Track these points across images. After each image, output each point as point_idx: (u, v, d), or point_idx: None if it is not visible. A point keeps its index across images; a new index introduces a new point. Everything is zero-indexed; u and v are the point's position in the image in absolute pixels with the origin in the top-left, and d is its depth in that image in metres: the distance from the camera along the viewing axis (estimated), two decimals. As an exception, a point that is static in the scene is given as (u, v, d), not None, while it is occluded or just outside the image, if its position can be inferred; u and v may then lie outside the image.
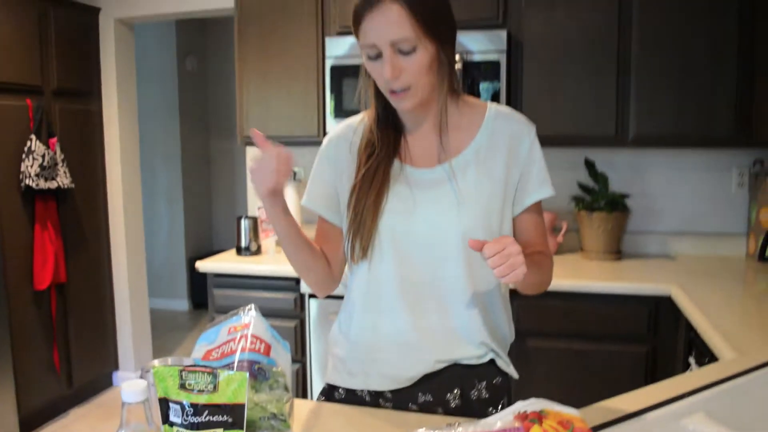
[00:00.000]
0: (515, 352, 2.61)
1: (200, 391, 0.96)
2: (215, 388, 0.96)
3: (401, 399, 1.34)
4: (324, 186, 1.38)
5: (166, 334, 5.10)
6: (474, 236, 1.23)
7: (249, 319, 1.25)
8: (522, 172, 1.31)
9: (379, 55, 1.18)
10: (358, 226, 1.29)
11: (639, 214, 3.13)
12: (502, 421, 0.95)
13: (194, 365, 1.11)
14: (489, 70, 2.74)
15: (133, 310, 3.97)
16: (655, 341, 2.51)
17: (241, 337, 1.22)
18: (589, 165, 3.00)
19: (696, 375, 1.44)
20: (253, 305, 1.30)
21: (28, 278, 3.30)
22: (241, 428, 0.97)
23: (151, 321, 4.24)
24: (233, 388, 0.96)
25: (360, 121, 1.37)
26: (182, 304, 5.79)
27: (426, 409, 1.33)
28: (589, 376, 2.53)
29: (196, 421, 0.96)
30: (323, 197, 1.38)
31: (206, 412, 0.96)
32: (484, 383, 1.34)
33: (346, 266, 1.40)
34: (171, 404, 0.97)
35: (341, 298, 1.47)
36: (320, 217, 1.40)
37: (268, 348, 1.22)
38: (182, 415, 0.96)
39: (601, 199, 2.93)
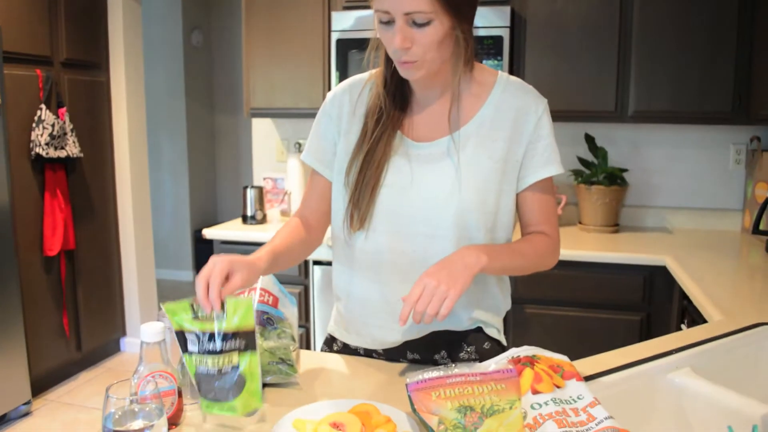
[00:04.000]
0: (512, 319, 2.71)
1: (211, 320, 1.03)
2: (224, 315, 1.03)
3: (392, 357, 1.39)
4: (323, 142, 1.37)
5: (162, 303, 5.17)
6: (469, 214, 1.24)
7: (258, 273, 1.32)
8: (527, 149, 1.27)
9: (390, 21, 1.13)
10: (358, 197, 1.28)
11: (637, 189, 3.19)
12: (496, 364, 1.02)
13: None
14: (492, 44, 2.78)
15: (140, 277, 4.05)
16: (650, 309, 2.59)
17: (250, 290, 1.29)
18: (589, 140, 3.05)
19: (684, 334, 1.50)
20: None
21: (38, 245, 3.37)
22: (254, 349, 1.04)
23: (157, 291, 4.31)
24: (240, 314, 1.03)
25: (367, 81, 1.34)
26: (187, 275, 5.87)
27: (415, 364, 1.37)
28: (584, 343, 2.60)
29: (211, 348, 1.02)
30: (322, 153, 1.37)
31: (220, 339, 1.02)
32: (473, 347, 1.36)
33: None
34: (187, 335, 1.04)
35: (322, 263, 1.48)
36: (314, 171, 1.39)
37: (276, 300, 1.29)
38: (198, 343, 1.03)
39: (600, 173, 2.98)
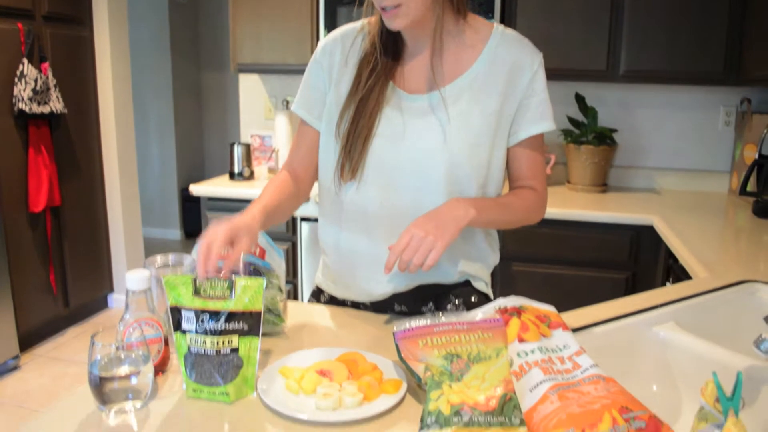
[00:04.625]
0: (500, 276, 2.72)
1: (216, 298, 0.97)
2: (232, 295, 0.97)
3: (379, 309, 1.39)
4: (314, 92, 1.34)
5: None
6: (460, 168, 1.24)
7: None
8: (520, 104, 1.26)
9: None
10: (350, 147, 1.26)
11: (626, 149, 3.19)
12: (483, 314, 1.02)
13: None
14: (483, 2, 2.74)
15: (126, 234, 4.03)
16: (635, 268, 2.61)
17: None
18: (579, 99, 3.03)
19: (669, 290, 1.52)
20: (249, 212, 1.35)
21: (24, 201, 3.34)
22: (257, 335, 0.99)
23: (144, 249, 4.30)
24: (250, 294, 0.97)
25: (360, 31, 1.31)
26: (175, 233, 5.86)
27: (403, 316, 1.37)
28: (570, 300, 2.60)
29: (210, 328, 0.96)
30: (312, 104, 1.35)
31: (222, 319, 0.96)
32: (461, 300, 1.36)
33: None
34: (183, 312, 0.97)
35: (309, 220, 1.47)
36: (303, 120, 1.37)
37: (263, 252, 1.28)
38: (196, 322, 0.97)
39: (589, 132, 2.97)
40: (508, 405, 0.82)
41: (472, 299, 1.37)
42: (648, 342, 1.32)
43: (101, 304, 4.08)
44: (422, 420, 0.83)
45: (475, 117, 1.23)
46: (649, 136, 3.18)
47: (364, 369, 1.02)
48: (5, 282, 3.14)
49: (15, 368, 3.29)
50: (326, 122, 1.32)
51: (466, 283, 1.37)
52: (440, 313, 1.00)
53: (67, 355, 3.47)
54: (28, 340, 3.49)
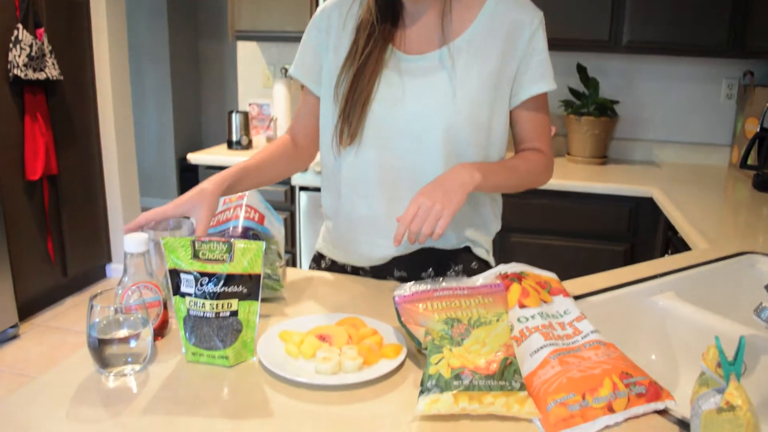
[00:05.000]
0: (498, 247, 2.72)
1: (215, 260, 0.95)
2: (231, 257, 0.95)
3: (379, 274, 1.39)
4: (312, 57, 1.34)
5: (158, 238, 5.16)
6: (459, 130, 1.22)
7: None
8: (520, 64, 1.24)
9: None
10: (348, 112, 1.26)
11: (627, 121, 3.17)
12: (484, 279, 1.01)
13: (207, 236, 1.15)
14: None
15: (124, 204, 4.01)
16: (634, 240, 2.61)
17: (236, 206, 1.27)
18: (581, 70, 3.00)
19: (669, 260, 1.51)
20: (248, 178, 1.33)
21: (20, 169, 3.31)
22: (256, 299, 0.98)
23: (142, 219, 4.28)
24: (249, 257, 0.96)
25: None
26: (173, 204, 5.83)
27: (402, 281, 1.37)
28: (569, 272, 2.60)
29: (210, 291, 0.95)
30: (310, 68, 1.34)
31: (221, 283, 0.95)
32: (461, 267, 1.36)
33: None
34: (182, 275, 0.96)
35: (308, 189, 1.47)
36: (304, 86, 1.37)
37: (261, 218, 1.27)
38: (195, 285, 0.95)
39: (590, 104, 2.95)
40: (508, 369, 0.82)
41: (473, 266, 1.37)
42: (647, 311, 1.32)
43: (99, 274, 4.08)
44: (422, 383, 0.83)
45: (475, 77, 1.22)
46: (650, 108, 3.15)
47: (364, 333, 1.02)
48: (3, 250, 3.13)
49: (14, 337, 3.29)
50: (325, 87, 1.31)
51: (467, 250, 1.37)
52: (441, 278, 1.00)
53: (66, 324, 3.48)
54: (27, 309, 3.49)
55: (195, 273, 0.95)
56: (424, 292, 0.96)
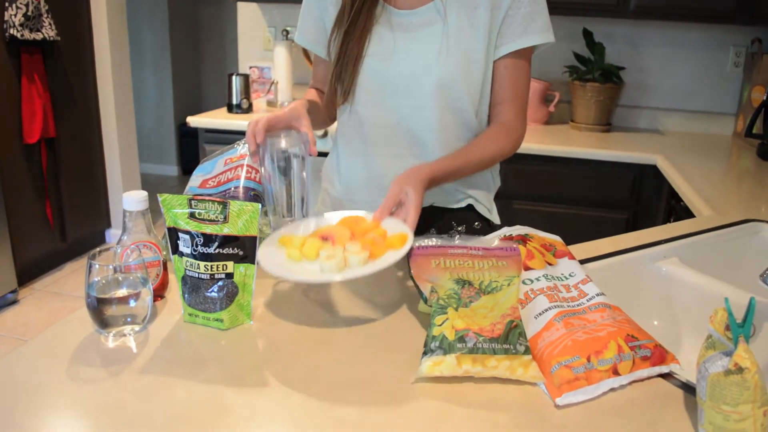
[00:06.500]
0: (500, 214, 2.69)
1: (210, 221, 0.93)
2: (225, 218, 0.92)
3: None
4: (313, 21, 1.33)
5: (155, 197, 5.14)
6: (452, 85, 1.21)
7: (245, 150, 1.27)
8: (505, 16, 1.20)
9: None
10: (340, 70, 1.26)
11: (632, 88, 3.12)
12: (499, 240, 1.00)
13: (202, 195, 1.13)
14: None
15: (123, 169, 3.98)
16: (637, 208, 2.59)
17: (237, 167, 1.25)
18: (587, 34, 2.95)
19: (672, 227, 1.50)
20: (248, 138, 1.31)
21: (17, 132, 3.28)
22: (252, 262, 0.95)
23: (142, 185, 4.26)
24: (245, 219, 0.93)
25: None
26: (172, 169, 5.81)
27: None
28: (571, 239, 2.59)
29: (205, 252, 0.92)
30: (313, 33, 1.34)
31: (216, 244, 0.92)
32: (464, 227, 1.36)
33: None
34: (180, 234, 0.94)
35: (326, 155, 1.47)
36: (312, 53, 1.37)
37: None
38: (191, 245, 0.93)
39: (595, 69, 2.90)
40: (513, 332, 0.81)
41: (475, 225, 1.37)
42: (650, 277, 1.31)
43: (99, 240, 4.07)
44: (426, 345, 0.82)
45: (465, 30, 1.20)
46: (655, 75, 3.11)
47: (367, 228, 0.99)
48: (1, 214, 3.11)
49: (14, 302, 3.29)
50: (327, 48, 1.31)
51: (469, 208, 1.37)
52: (456, 234, 0.98)
53: (65, 290, 3.48)
54: (27, 274, 3.48)
55: (191, 232, 0.93)
56: (437, 247, 0.95)
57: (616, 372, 0.80)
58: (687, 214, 1.91)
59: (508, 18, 1.21)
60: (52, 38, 3.28)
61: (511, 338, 0.81)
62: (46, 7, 3.26)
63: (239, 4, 3.40)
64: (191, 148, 5.62)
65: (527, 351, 0.81)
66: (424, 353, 0.82)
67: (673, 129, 3.13)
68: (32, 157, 3.40)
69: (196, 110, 5.84)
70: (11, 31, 3.07)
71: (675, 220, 2.15)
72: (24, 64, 3.23)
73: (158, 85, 5.60)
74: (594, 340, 0.81)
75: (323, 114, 1.36)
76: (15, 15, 3.07)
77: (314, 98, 1.35)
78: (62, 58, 3.53)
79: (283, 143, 1.10)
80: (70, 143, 3.66)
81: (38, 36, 3.20)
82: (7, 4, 3.07)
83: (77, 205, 3.78)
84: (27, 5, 3.11)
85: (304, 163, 1.13)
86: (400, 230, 0.98)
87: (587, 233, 2.59)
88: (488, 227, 1.39)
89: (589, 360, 0.79)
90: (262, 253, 0.96)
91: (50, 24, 3.28)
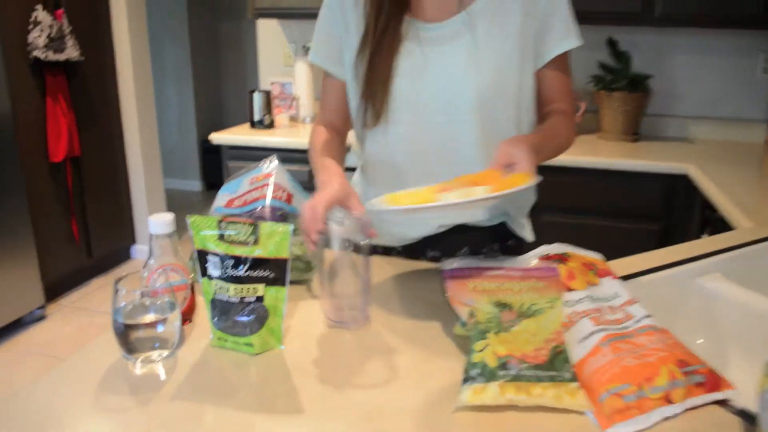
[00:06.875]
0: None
1: (240, 243, 0.90)
2: (256, 240, 0.90)
3: (411, 255, 1.34)
4: (329, 39, 1.28)
5: (180, 213, 5.12)
6: (488, 95, 1.18)
7: (271, 169, 1.25)
8: (542, 22, 1.19)
9: None
10: (370, 92, 1.21)
11: (659, 97, 3.06)
12: (537, 260, 0.96)
13: (231, 215, 1.10)
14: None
15: (147, 185, 4.00)
16: (669, 219, 2.53)
17: (263, 185, 1.23)
18: (612, 44, 2.90)
19: (712, 240, 1.45)
20: (275, 156, 1.29)
21: (43, 151, 3.30)
22: (284, 284, 0.92)
23: (166, 201, 4.27)
24: (276, 241, 0.90)
25: None
26: (195, 185, 5.83)
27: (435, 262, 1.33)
28: (602, 252, 2.56)
29: (235, 275, 0.90)
30: (330, 51, 1.29)
31: (246, 266, 0.90)
32: (498, 245, 1.31)
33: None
34: (209, 256, 0.92)
35: (353, 170, 1.43)
36: (326, 71, 1.32)
37: (290, 197, 1.22)
38: (221, 267, 0.91)
39: (622, 78, 2.85)
40: (558, 358, 0.77)
41: (509, 243, 1.33)
42: (692, 294, 1.25)
43: (124, 256, 4.08)
44: (466, 371, 0.78)
45: (498, 39, 1.17)
46: (683, 83, 3.05)
47: (484, 176, 0.94)
48: (28, 232, 3.13)
49: (41, 318, 3.31)
50: (348, 67, 1.26)
51: (502, 225, 1.33)
52: (492, 254, 0.94)
53: (92, 305, 3.49)
54: (54, 290, 3.50)
55: (221, 254, 0.91)
56: (473, 269, 0.91)
57: (669, 400, 0.75)
58: (723, 224, 1.85)
59: (546, 25, 1.19)
60: (75, 59, 3.31)
61: (556, 364, 0.77)
62: (70, 28, 3.29)
63: (259, 21, 3.41)
64: (214, 164, 5.64)
65: (574, 378, 0.76)
66: (464, 380, 0.78)
67: (702, 137, 3.06)
68: (58, 176, 3.42)
69: (218, 126, 5.86)
70: (35, 53, 3.10)
71: (711, 231, 2.09)
72: (48, 85, 3.26)
73: (180, 101, 5.64)
74: (644, 366, 0.77)
75: (343, 148, 1.31)
76: (39, 37, 3.10)
77: (328, 137, 1.29)
78: (86, 77, 3.56)
79: (343, 230, 1.02)
80: (94, 161, 3.69)
81: (62, 57, 3.23)
82: (30, 27, 3.10)
83: (103, 222, 3.80)
84: (51, 27, 3.14)
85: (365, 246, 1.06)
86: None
87: (619, 246, 2.53)
88: (522, 244, 1.35)
89: (640, 387, 0.74)
90: (369, 206, 0.94)
91: (74, 45, 3.30)
